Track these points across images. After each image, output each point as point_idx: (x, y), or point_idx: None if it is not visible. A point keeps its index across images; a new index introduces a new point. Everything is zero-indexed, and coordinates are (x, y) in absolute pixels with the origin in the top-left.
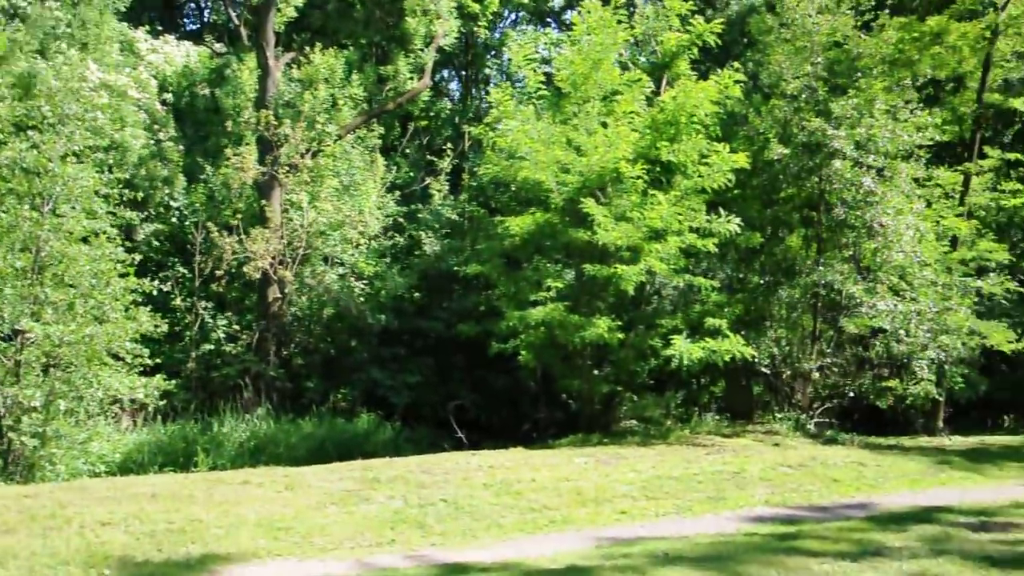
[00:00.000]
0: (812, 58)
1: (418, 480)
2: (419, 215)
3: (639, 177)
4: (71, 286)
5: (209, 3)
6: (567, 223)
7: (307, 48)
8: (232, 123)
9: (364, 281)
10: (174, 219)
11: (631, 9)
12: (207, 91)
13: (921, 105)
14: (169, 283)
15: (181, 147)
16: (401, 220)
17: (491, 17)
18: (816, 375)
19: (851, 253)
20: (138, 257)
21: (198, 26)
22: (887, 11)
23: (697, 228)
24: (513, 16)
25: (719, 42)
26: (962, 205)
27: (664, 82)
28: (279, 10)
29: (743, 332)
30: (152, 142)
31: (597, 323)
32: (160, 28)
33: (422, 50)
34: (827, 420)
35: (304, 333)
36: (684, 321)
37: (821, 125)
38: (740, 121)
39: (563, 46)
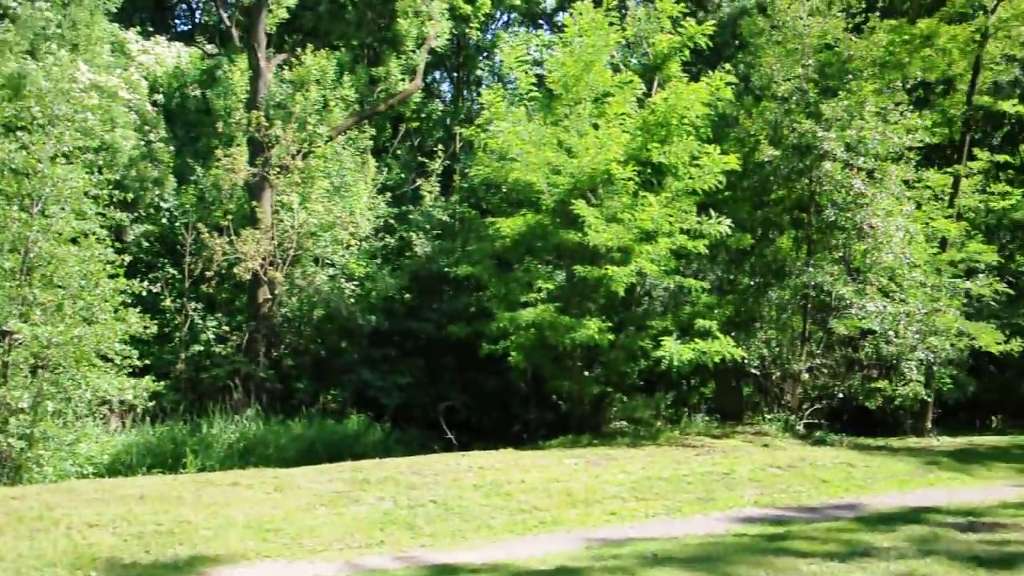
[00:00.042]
0: (803, 60)
1: (408, 481)
2: (410, 216)
3: (630, 179)
4: (60, 287)
5: (200, 4)
6: (558, 224)
7: (299, 49)
8: (223, 124)
9: (355, 282)
10: (164, 220)
11: (623, 11)
12: (198, 92)
13: (911, 107)
14: (159, 284)
15: (172, 148)
16: (392, 221)
17: (483, 19)
18: (806, 376)
19: (841, 254)
20: (128, 258)
21: (189, 27)
22: (878, 14)
23: (688, 229)
24: (505, 18)
25: (710, 44)
26: (951, 207)
27: (655, 84)
28: (271, 11)
29: (733, 333)
30: (142, 143)
31: (588, 324)
32: (151, 29)
33: (414, 51)
34: (816, 421)
35: (294, 334)
36: (674, 322)
37: (812, 127)
38: (731, 123)
39: (555, 48)
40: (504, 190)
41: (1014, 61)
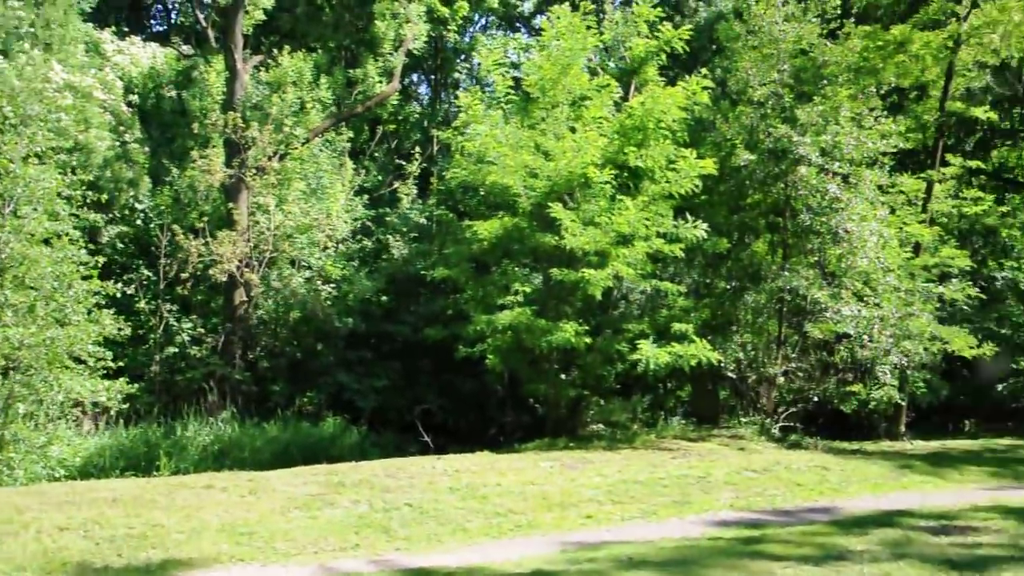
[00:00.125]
0: (779, 65)
1: (383, 484)
2: (387, 219)
3: (607, 182)
4: (32, 288)
5: (176, 5)
6: (535, 228)
7: (275, 51)
8: (199, 125)
9: (331, 284)
10: (139, 221)
11: (600, 15)
12: (174, 93)
13: (885, 113)
14: (133, 286)
15: (147, 149)
16: (369, 224)
17: (461, 22)
18: (781, 380)
19: (816, 259)
20: (102, 259)
21: (165, 28)
22: (852, 20)
23: (664, 233)
24: (483, 21)
25: (687, 49)
26: (925, 212)
27: (632, 88)
28: (247, 12)
29: (709, 337)
30: (117, 144)
31: (564, 327)
32: (126, 29)
33: (391, 54)
34: (792, 424)
35: (270, 336)
36: (651, 326)
37: (787, 132)
38: (708, 127)
39: (532, 51)
40: (481, 193)
41: (986, 68)
